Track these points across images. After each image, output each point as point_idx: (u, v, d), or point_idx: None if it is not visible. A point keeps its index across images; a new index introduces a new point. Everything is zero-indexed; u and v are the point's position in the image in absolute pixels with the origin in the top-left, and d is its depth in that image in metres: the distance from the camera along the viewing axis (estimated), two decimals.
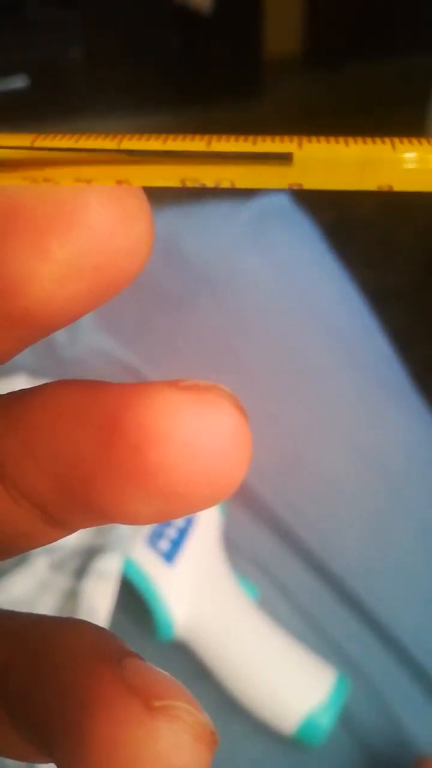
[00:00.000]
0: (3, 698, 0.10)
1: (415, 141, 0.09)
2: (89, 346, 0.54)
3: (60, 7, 1.53)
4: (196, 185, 0.09)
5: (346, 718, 0.40)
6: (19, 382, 0.48)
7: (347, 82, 1.73)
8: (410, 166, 0.08)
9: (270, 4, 1.66)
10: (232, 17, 1.62)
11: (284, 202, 0.66)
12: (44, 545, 0.11)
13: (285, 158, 0.08)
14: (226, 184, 0.09)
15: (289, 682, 0.39)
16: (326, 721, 0.38)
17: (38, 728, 0.10)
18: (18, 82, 1.50)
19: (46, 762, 0.11)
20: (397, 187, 0.08)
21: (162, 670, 0.10)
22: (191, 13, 1.57)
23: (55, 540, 0.11)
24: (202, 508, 0.09)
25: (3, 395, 0.10)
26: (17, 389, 0.10)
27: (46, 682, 0.10)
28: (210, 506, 0.09)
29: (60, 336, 0.55)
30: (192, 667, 0.40)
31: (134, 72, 1.57)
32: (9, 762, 0.34)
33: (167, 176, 0.09)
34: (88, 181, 0.09)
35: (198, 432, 0.09)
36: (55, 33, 1.53)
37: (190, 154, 0.08)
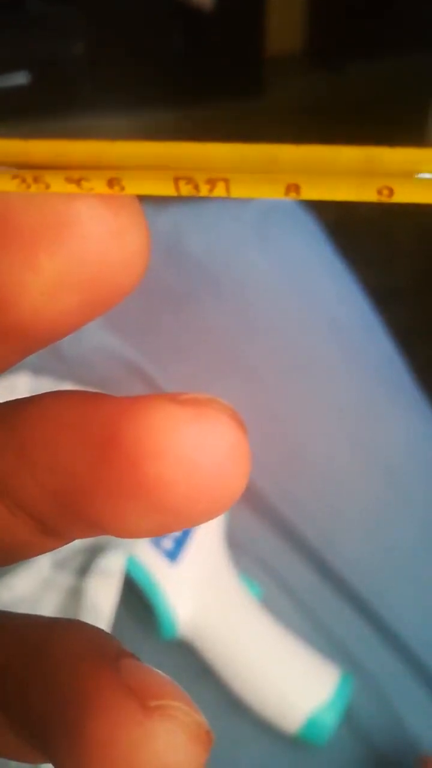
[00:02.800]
0: None
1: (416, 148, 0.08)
2: (93, 344, 0.54)
3: (61, 4, 1.53)
4: (190, 186, 0.08)
5: (349, 717, 0.40)
6: (22, 380, 0.48)
7: (349, 81, 1.72)
8: (413, 168, 0.08)
9: (272, 2, 1.66)
10: (234, 14, 1.61)
11: (288, 200, 0.66)
12: (41, 554, 0.11)
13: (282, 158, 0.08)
14: (220, 188, 0.08)
15: (293, 681, 0.39)
16: (330, 720, 0.38)
17: (35, 728, 0.10)
18: (19, 79, 1.50)
19: (43, 762, 0.11)
20: (398, 191, 0.08)
21: (158, 670, 0.10)
22: (193, 10, 1.56)
23: (52, 549, 0.11)
24: (200, 523, 0.09)
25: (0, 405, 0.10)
26: (19, 387, 0.10)
27: (42, 682, 0.10)
28: (208, 520, 0.09)
29: None
30: (195, 666, 0.40)
31: (135, 69, 1.57)
32: (12, 763, 0.34)
33: (160, 177, 0.08)
34: (78, 181, 0.08)
35: (196, 447, 0.09)
36: (57, 29, 1.53)
37: (183, 152, 0.08)
